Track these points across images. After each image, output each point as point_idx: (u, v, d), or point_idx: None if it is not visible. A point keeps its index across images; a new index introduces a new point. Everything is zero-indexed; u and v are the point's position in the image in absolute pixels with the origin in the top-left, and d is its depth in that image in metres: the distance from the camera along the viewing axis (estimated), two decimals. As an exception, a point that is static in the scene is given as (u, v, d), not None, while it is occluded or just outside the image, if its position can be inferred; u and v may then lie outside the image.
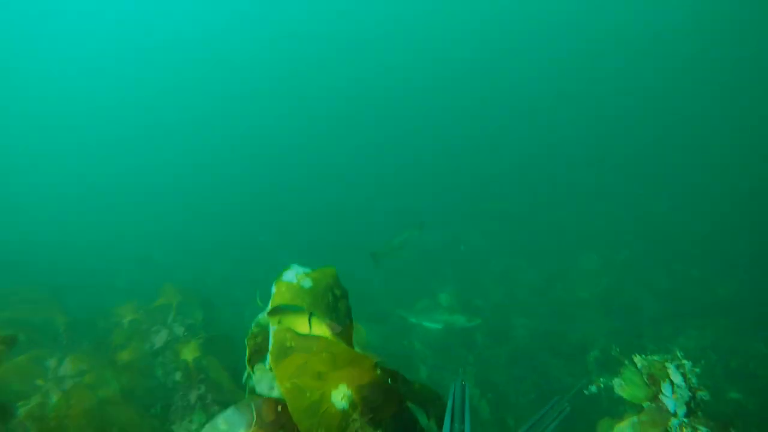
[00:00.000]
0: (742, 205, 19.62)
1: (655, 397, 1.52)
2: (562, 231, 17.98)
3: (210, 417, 6.20)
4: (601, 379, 1.87)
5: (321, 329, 1.31)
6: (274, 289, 1.37)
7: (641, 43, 29.66)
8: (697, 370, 1.54)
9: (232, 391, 7.96)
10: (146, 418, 5.45)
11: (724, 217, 18.69)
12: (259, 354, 1.56)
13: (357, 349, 1.42)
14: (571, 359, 8.95)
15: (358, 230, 19.50)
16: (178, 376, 8.33)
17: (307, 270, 1.44)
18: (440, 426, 1.62)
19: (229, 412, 1.27)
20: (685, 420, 1.48)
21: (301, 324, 1.33)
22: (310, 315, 1.31)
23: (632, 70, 30.40)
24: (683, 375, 1.51)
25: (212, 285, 13.60)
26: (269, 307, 1.35)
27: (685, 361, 1.55)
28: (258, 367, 1.31)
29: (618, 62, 30.94)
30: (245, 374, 1.52)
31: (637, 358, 1.61)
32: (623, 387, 1.69)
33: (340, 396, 1.19)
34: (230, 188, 27.88)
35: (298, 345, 1.21)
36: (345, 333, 1.45)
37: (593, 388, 1.90)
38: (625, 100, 29.67)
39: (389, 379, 1.36)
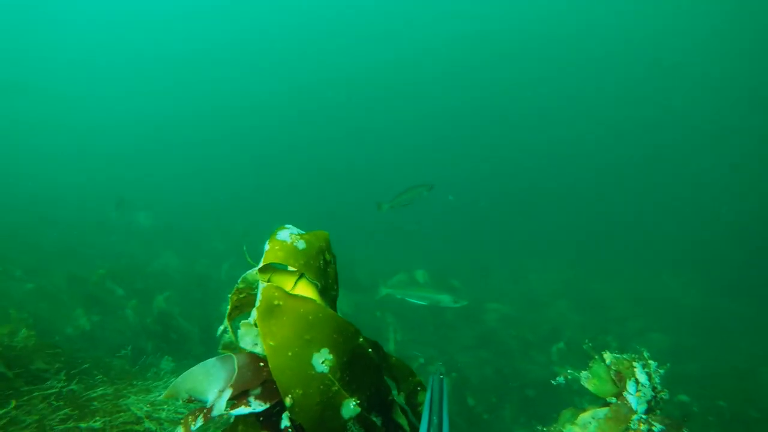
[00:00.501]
0: (719, 213, 20.22)
1: (620, 394, 1.59)
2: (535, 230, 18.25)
3: (180, 365, 6.24)
4: (569, 371, 1.94)
5: (310, 291, 1.32)
6: (267, 247, 1.37)
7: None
8: (662, 371, 1.61)
9: (202, 341, 8.03)
10: (116, 359, 5.49)
11: (703, 224, 19.26)
12: (237, 310, 1.56)
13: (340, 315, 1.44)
14: (537, 348, 9.24)
15: (341, 201, 19.52)
16: (149, 320, 8.36)
17: (301, 231, 1.44)
18: (409, 401, 1.66)
19: (210, 362, 1.28)
20: (643, 417, 1.55)
21: (290, 284, 1.34)
22: (300, 275, 1.31)
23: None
24: (648, 375, 1.58)
25: (193, 235, 13.56)
26: (260, 263, 1.35)
27: (651, 362, 1.62)
28: (243, 322, 1.31)
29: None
30: (221, 328, 1.52)
31: (606, 354, 1.68)
32: (590, 380, 1.75)
33: (321, 360, 1.21)
34: (226, 146, 27.45)
35: (285, 304, 1.22)
36: (332, 297, 1.46)
37: (560, 379, 1.97)
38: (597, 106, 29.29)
39: (369, 349, 1.38)
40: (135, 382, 3.43)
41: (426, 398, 1.40)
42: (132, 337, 7.94)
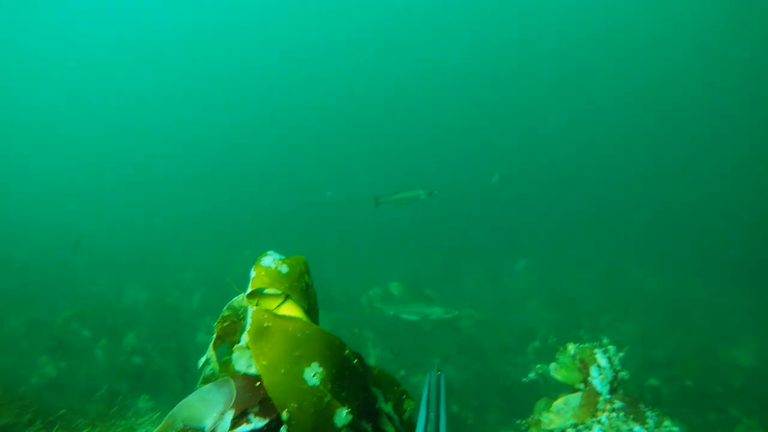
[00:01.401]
0: (688, 203, 21.24)
1: (585, 380, 1.74)
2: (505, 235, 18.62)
3: (159, 401, 6.09)
4: (538, 366, 2.08)
5: (296, 311, 1.42)
6: (253, 273, 1.46)
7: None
8: (621, 354, 1.78)
9: (179, 375, 7.85)
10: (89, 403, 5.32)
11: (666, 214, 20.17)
12: (219, 340, 1.63)
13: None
14: (514, 349, 9.47)
15: (305, 218, 19.46)
16: (122, 359, 8.12)
17: (282, 257, 1.54)
18: (397, 409, 1.76)
19: (206, 389, 1.35)
20: (608, 397, 1.71)
21: (277, 307, 1.44)
22: (286, 297, 1.41)
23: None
24: (609, 359, 1.74)
25: (160, 266, 13.24)
26: (248, 289, 1.44)
27: (610, 347, 1.78)
28: (237, 346, 1.40)
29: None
30: (202, 359, 1.57)
31: (570, 345, 1.83)
32: (558, 370, 1.90)
33: (312, 373, 1.31)
34: (186, 172, 26.81)
35: (274, 325, 1.31)
36: (314, 316, 1.56)
37: (532, 375, 2.11)
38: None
39: (355, 360, 1.48)
40: (117, 422, 3.37)
41: (423, 394, 1.48)
42: (104, 379, 7.69)
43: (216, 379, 1.51)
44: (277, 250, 1.71)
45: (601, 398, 1.70)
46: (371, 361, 8.34)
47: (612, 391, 1.73)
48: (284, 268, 1.48)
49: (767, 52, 24.75)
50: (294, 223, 18.62)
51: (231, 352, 1.52)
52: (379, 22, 34.86)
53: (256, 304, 1.45)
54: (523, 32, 30.40)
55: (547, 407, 1.97)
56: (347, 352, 1.43)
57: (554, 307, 11.88)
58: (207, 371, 1.67)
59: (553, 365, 1.94)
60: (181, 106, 35.87)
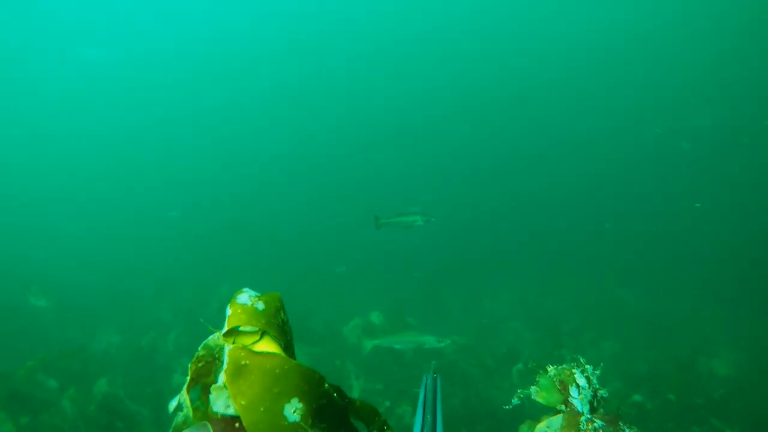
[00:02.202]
0: (661, 218, 21.78)
1: (566, 401, 1.76)
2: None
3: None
4: (520, 391, 2.09)
5: (273, 347, 1.41)
6: (229, 311, 1.44)
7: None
8: (597, 372, 1.81)
9: (155, 422, 7.51)
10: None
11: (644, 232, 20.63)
12: (193, 382, 1.58)
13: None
14: (498, 373, 9.43)
15: (285, 250, 19.26)
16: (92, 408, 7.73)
17: (258, 294, 1.54)
18: None
19: (183, 433, 1.32)
20: (589, 417, 1.73)
21: (254, 344, 1.42)
22: (263, 333, 1.40)
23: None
24: (587, 378, 1.77)
25: (134, 305, 12.82)
26: (225, 328, 1.43)
27: (587, 366, 1.81)
28: (214, 386, 1.37)
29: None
30: (172, 403, 1.50)
31: (549, 368, 1.86)
32: (539, 393, 1.92)
33: (292, 409, 1.29)
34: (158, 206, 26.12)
35: (252, 362, 1.30)
36: (291, 352, 1.55)
37: (515, 401, 2.12)
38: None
39: (335, 394, 1.47)
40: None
41: (420, 397, 1.47)
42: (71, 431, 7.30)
43: (190, 425, 1.47)
44: (256, 284, 1.69)
45: (582, 418, 1.71)
46: (354, 393, 8.17)
47: (592, 411, 1.75)
48: (260, 305, 1.47)
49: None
50: (272, 255, 18.38)
51: (206, 395, 1.48)
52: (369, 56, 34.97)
53: (233, 342, 1.43)
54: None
55: (531, 430, 1.98)
56: (327, 385, 1.42)
57: (536, 328, 11.94)
58: (179, 419, 1.62)
59: (533, 388, 1.96)
60: (151, 141, 35.40)
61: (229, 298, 1.60)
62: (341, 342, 9.94)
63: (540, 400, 1.92)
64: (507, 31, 31.08)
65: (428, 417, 1.42)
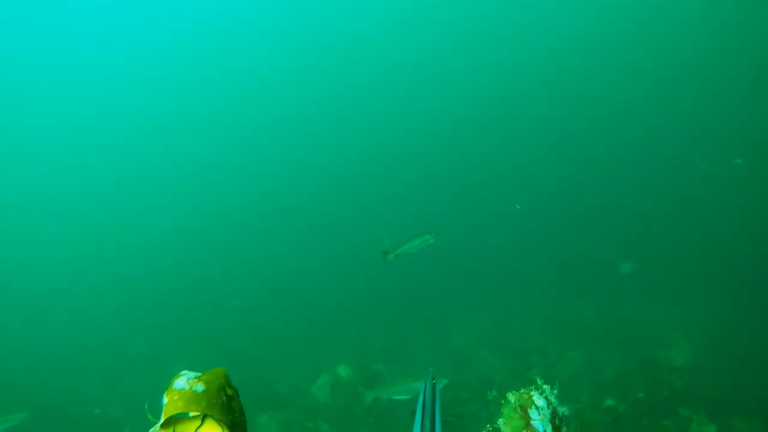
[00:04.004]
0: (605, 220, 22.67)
1: (528, 425, 1.76)
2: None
3: None
4: (488, 425, 2.07)
5: (218, 429, 1.32)
6: (165, 400, 1.35)
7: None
8: (555, 391, 1.82)
9: None
10: None
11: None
12: None
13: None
14: (473, 403, 9.31)
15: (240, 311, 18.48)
16: None
17: (198, 374, 1.45)
18: None
19: None
20: (554, 437, 1.73)
21: (198, 430, 1.33)
22: (204, 417, 1.32)
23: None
24: (546, 399, 1.78)
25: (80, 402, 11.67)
26: (161, 419, 1.33)
27: (545, 386, 1.83)
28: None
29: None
30: None
31: (510, 395, 1.86)
32: (506, 423, 1.91)
33: (246, 494, 1.21)
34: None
35: (196, 452, 1.21)
36: (241, 428, 1.46)
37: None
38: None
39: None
40: None
41: (419, 402, 1.43)
42: None
43: None
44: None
45: (547, 440, 1.71)
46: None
47: (556, 430, 1.76)
48: (200, 387, 1.38)
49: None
50: (226, 320, 17.50)
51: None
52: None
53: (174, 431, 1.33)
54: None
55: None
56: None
57: (503, 352, 12.00)
58: None
59: (501, 421, 1.95)
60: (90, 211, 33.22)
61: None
62: (311, 402, 9.51)
63: (508, 430, 1.90)
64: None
65: (427, 423, 1.40)
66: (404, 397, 7.44)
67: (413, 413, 1.75)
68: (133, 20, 36.13)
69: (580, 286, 16.25)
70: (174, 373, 1.49)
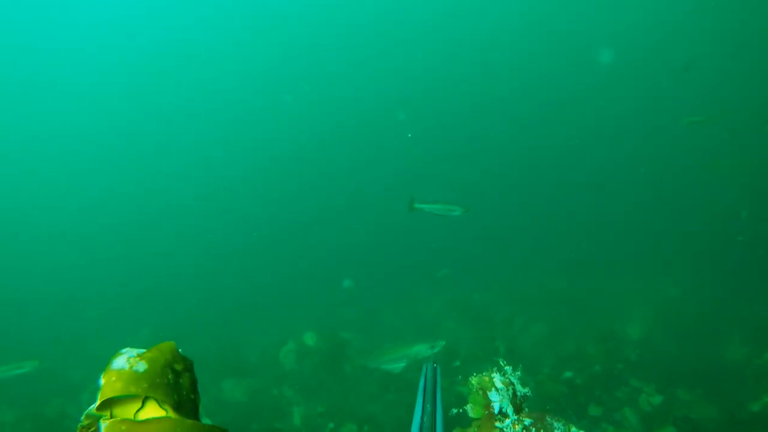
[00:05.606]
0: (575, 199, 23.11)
1: (488, 406, 1.74)
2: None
3: None
4: (453, 409, 2.05)
5: (161, 410, 1.23)
6: (102, 381, 1.25)
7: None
8: (518, 373, 1.81)
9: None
10: None
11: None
12: None
13: (206, 421, 1.36)
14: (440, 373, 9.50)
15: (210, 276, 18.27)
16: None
17: (141, 351, 1.35)
18: None
19: None
20: (515, 418, 1.72)
21: (138, 412, 1.24)
22: (144, 399, 1.22)
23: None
24: (508, 380, 1.76)
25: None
26: (97, 402, 1.23)
27: (507, 368, 1.81)
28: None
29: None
30: None
31: (472, 379, 1.84)
32: (473, 408, 1.89)
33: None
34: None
35: (136, 433, 1.13)
36: (190, 406, 1.37)
37: (454, 411, 2.08)
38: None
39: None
40: None
41: (420, 386, 1.42)
42: None
43: None
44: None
45: (507, 421, 1.70)
46: (296, 420, 7.85)
47: (518, 410, 1.74)
48: (141, 366, 1.28)
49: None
50: (195, 288, 17.27)
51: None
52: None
53: (111, 416, 1.24)
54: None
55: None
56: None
57: (468, 322, 12.24)
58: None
59: (469, 406, 1.93)
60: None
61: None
62: (278, 369, 9.54)
63: (474, 415, 1.89)
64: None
65: (428, 406, 1.37)
66: (397, 366, 7.38)
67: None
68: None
69: (545, 257, 16.67)
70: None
